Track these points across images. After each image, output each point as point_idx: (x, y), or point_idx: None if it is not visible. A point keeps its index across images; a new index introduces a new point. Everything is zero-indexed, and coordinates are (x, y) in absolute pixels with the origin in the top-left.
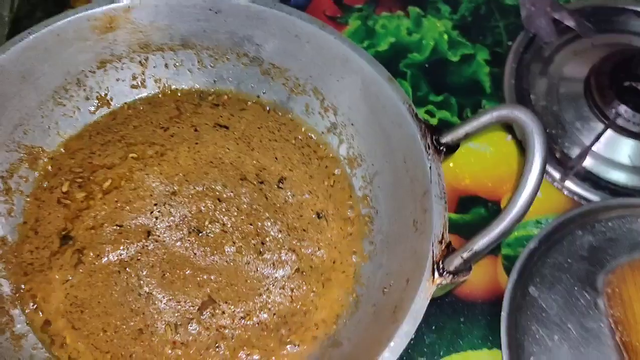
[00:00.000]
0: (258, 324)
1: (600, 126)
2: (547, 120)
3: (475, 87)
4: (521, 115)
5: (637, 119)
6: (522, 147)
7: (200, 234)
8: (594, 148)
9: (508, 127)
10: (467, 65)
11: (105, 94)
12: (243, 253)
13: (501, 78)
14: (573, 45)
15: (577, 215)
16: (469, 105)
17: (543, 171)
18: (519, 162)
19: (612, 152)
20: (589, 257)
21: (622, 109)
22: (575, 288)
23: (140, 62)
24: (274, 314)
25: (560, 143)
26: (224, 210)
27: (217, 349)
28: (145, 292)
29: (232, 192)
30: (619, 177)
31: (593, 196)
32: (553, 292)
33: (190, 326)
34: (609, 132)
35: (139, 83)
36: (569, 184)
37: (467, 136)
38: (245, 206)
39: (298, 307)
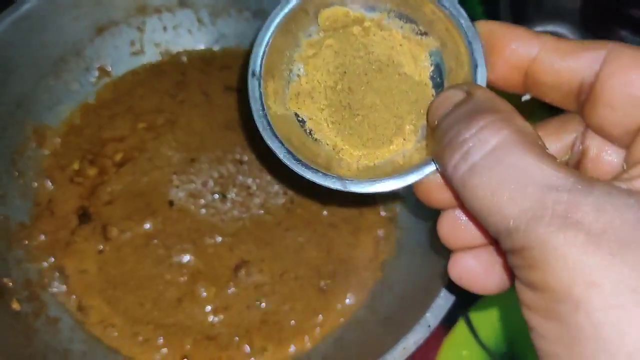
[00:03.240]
0: (296, 278)
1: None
2: None
3: None
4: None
5: (637, 42)
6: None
7: (225, 199)
8: None
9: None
10: (461, 5)
11: (105, 63)
12: (272, 213)
13: (497, 17)
14: None
15: None
16: None
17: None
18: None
19: None
20: None
21: (623, 34)
22: None
23: (138, 27)
24: (310, 268)
25: None
26: (246, 172)
27: (259, 306)
28: (177, 262)
29: (253, 153)
30: None
31: None
32: None
33: (229, 289)
34: None
35: (139, 49)
36: None
37: None
38: (267, 166)
39: (335, 257)
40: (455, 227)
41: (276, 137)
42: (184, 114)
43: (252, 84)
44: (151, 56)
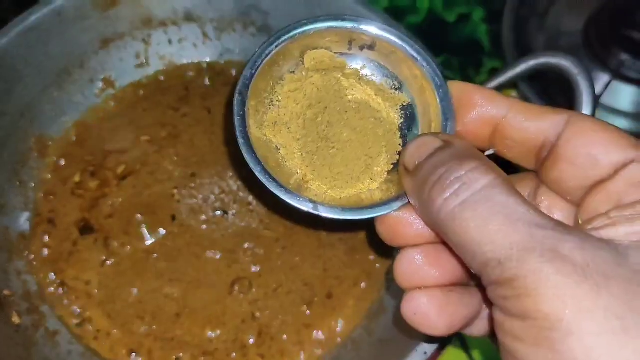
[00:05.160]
0: (289, 293)
1: (602, 76)
2: None
3: (475, 46)
4: (562, 62)
5: (637, 66)
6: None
7: (225, 214)
8: None
9: (513, 85)
10: (464, 25)
11: (110, 75)
12: (271, 229)
13: (500, 36)
14: None
15: None
16: (471, 64)
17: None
18: None
19: (615, 100)
20: None
21: (624, 57)
22: None
23: (143, 39)
24: (306, 285)
25: None
26: (247, 188)
27: (254, 321)
28: (176, 277)
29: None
30: (622, 124)
31: None
32: None
33: (226, 304)
34: (612, 81)
35: (143, 62)
36: None
37: (500, 89)
38: None
39: (331, 275)
40: (412, 266)
41: (254, 154)
42: (186, 129)
43: (238, 102)
44: (156, 69)
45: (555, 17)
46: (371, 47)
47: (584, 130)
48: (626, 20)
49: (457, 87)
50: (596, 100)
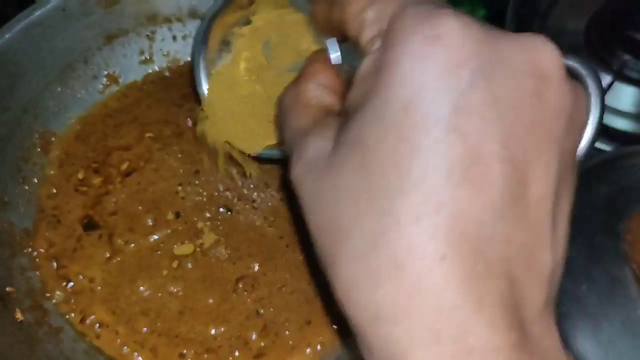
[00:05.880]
0: (293, 292)
1: (604, 76)
2: None
3: None
4: (570, 62)
5: (638, 66)
6: None
7: (230, 212)
8: None
9: None
10: None
11: (114, 72)
12: (275, 227)
13: None
14: None
15: (592, 166)
16: None
17: (601, 122)
18: None
19: (617, 100)
20: (607, 207)
21: (626, 57)
22: (597, 237)
23: (147, 36)
24: (310, 283)
25: None
26: (251, 186)
27: (258, 317)
28: (180, 274)
29: (258, 167)
30: (626, 125)
31: (605, 146)
32: (576, 244)
33: (230, 301)
34: (614, 81)
35: (147, 58)
36: None
37: None
38: (272, 180)
39: None
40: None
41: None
42: (190, 126)
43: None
44: (160, 65)
45: (557, 18)
46: None
47: None
48: (628, 20)
49: None
50: (604, 102)
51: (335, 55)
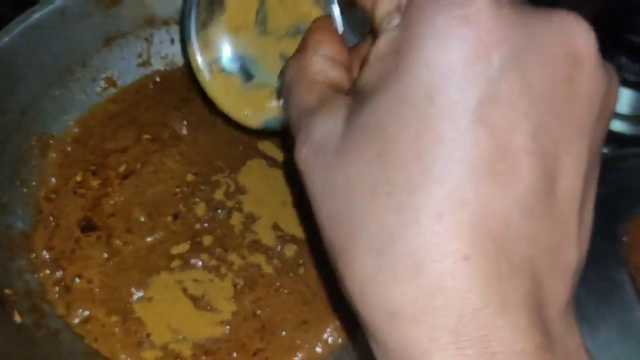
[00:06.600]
0: (290, 293)
1: None
2: None
3: None
4: None
5: (636, 69)
6: None
7: (229, 215)
8: None
9: None
10: None
11: (112, 74)
12: (275, 228)
13: None
14: None
15: None
16: None
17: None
18: None
19: None
20: (605, 209)
21: (623, 60)
22: (594, 240)
23: (145, 38)
24: (308, 286)
25: None
26: (250, 188)
27: (255, 317)
28: (178, 278)
29: None
30: (622, 127)
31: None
32: None
33: (229, 303)
34: None
35: (145, 60)
36: None
37: None
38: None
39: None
40: None
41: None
42: (188, 128)
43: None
44: (157, 68)
45: None
46: None
47: None
48: (625, 24)
49: None
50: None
51: (340, 23)
